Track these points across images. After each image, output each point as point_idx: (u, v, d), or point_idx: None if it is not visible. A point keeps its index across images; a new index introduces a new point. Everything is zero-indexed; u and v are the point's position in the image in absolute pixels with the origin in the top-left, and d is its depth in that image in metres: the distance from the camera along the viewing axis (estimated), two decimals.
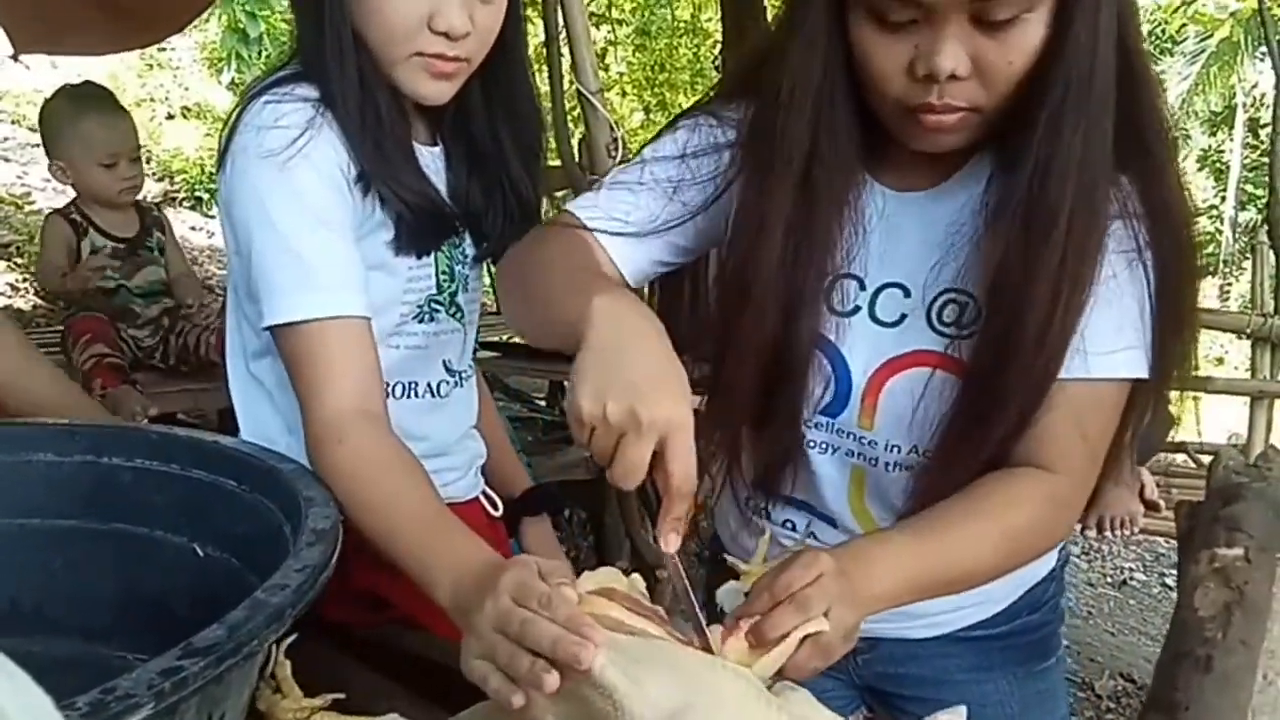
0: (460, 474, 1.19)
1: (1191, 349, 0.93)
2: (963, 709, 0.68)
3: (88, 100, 2.33)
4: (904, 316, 0.94)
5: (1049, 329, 0.84)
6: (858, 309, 0.95)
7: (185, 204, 7.70)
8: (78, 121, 2.28)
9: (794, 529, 1.05)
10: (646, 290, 1.21)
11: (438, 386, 1.13)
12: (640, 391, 0.69)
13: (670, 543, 0.73)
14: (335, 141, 0.96)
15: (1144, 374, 0.88)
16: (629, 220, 0.98)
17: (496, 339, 2.80)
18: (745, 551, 1.06)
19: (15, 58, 1.65)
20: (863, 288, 0.96)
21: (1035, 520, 0.88)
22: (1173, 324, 0.88)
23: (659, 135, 1.05)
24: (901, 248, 0.94)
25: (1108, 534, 2.40)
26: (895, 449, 0.96)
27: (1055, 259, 0.83)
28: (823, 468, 1.00)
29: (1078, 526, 2.44)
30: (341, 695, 0.76)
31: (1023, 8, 0.78)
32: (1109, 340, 0.87)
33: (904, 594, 0.81)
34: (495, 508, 1.26)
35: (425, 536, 0.82)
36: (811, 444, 1.00)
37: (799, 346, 0.93)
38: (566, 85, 2.42)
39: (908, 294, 0.94)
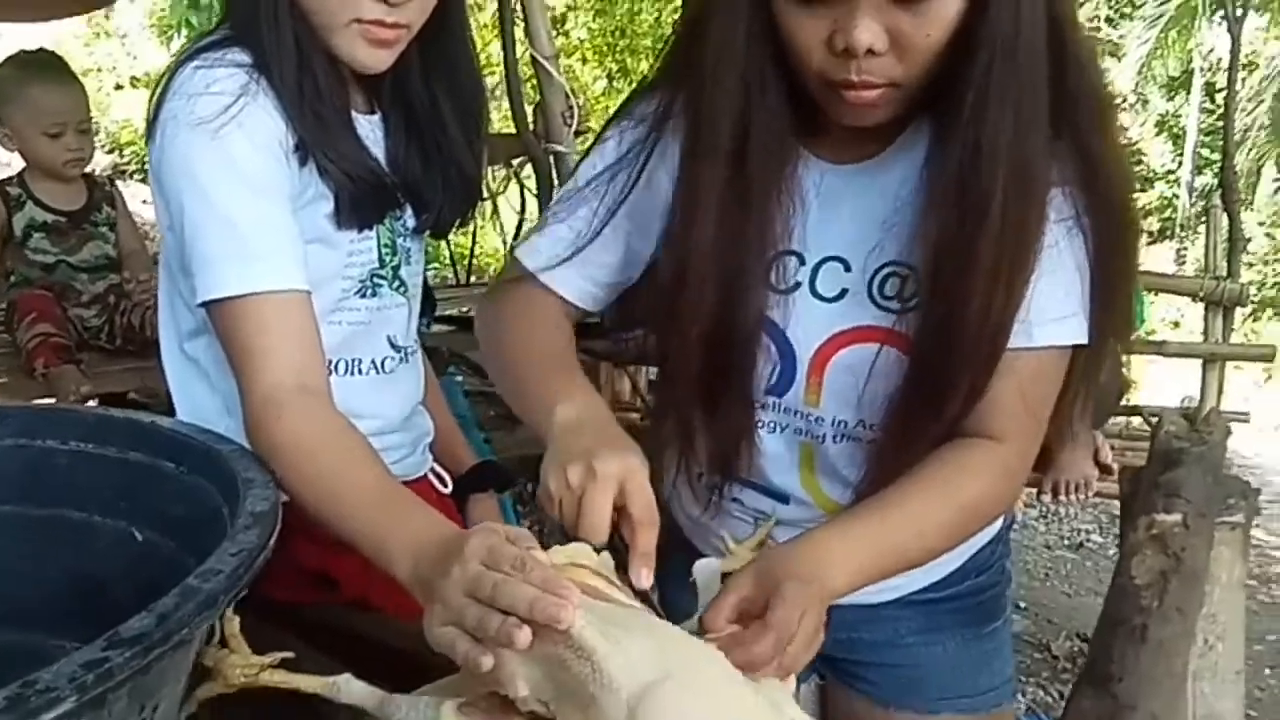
0: (408, 451, 1.17)
1: (1129, 315, 0.95)
2: None
3: (36, 66, 2.25)
4: (845, 291, 0.93)
5: (991, 306, 0.84)
6: (798, 285, 0.95)
7: (136, 177, 7.54)
8: (24, 87, 2.21)
9: (742, 505, 1.05)
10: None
11: (383, 362, 1.11)
12: (593, 451, 0.77)
13: (643, 578, 0.75)
14: (271, 109, 0.93)
15: (1083, 340, 0.90)
16: (565, 249, 1.00)
17: (455, 312, 2.77)
18: (710, 534, 1.06)
19: None
20: (802, 263, 0.95)
21: (987, 490, 0.90)
22: (1108, 290, 0.89)
23: (588, 152, 1.06)
24: (840, 221, 0.93)
25: (1063, 497, 2.43)
26: (842, 424, 0.96)
27: (993, 237, 0.83)
28: (772, 447, 1.00)
29: (1033, 490, 2.47)
30: (290, 654, 0.75)
31: None
32: (1052, 309, 0.88)
33: (863, 580, 0.83)
34: (445, 484, 1.24)
35: (377, 513, 0.80)
36: (760, 424, 0.99)
37: (744, 326, 0.93)
38: (521, 51, 2.39)
39: (848, 268, 0.93)
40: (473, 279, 4.59)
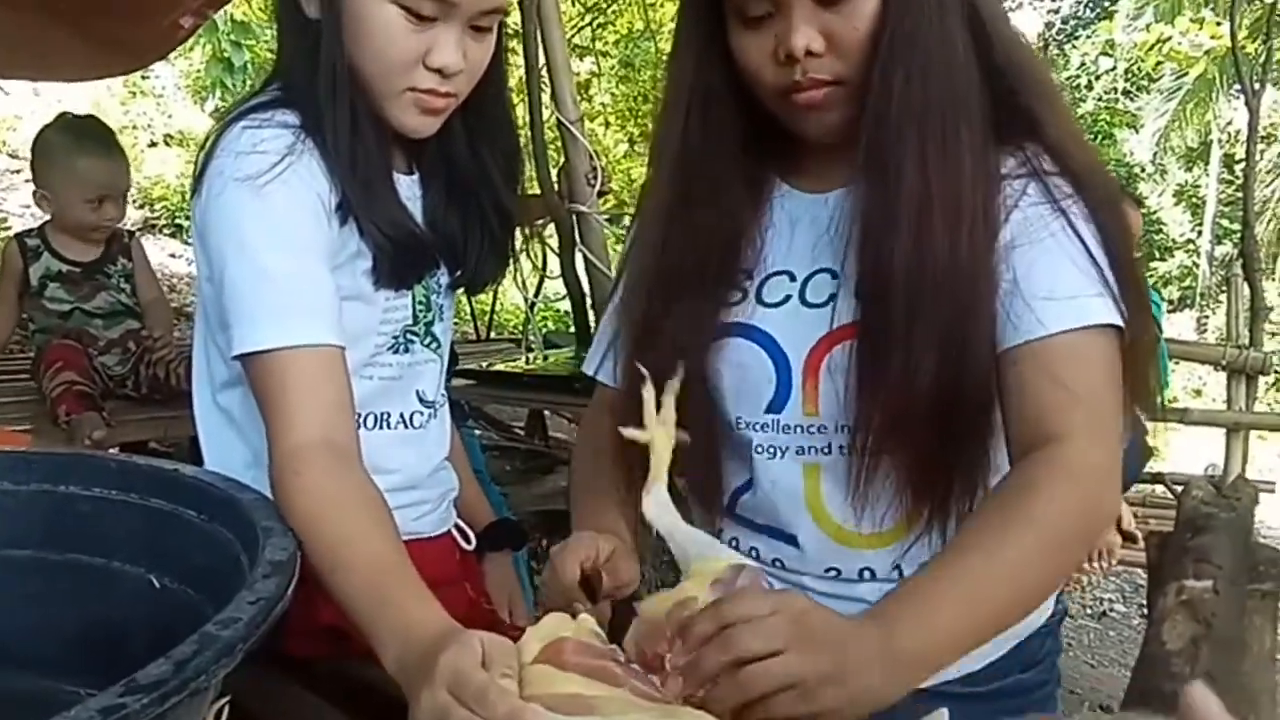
0: (432, 507, 1.17)
1: (1146, 304, 0.91)
2: (944, 711, 0.64)
3: (86, 136, 2.29)
4: (833, 296, 0.95)
5: (922, 259, 0.85)
6: (789, 298, 0.98)
7: (165, 231, 7.68)
8: (72, 156, 2.25)
9: (756, 556, 1.02)
10: None
11: (411, 417, 1.12)
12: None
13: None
14: (315, 169, 0.96)
15: (1111, 319, 0.86)
16: (606, 341, 1.08)
17: (475, 366, 2.78)
18: None
19: None
20: (793, 279, 0.98)
21: (1058, 499, 0.80)
22: (1122, 269, 0.88)
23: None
24: (826, 238, 0.96)
25: (1086, 565, 2.39)
26: (844, 430, 0.94)
27: (913, 195, 0.86)
28: (773, 474, 0.99)
29: None
30: None
31: None
32: (1061, 288, 0.86)
33: (952, 642, 0.74)
34: (468, 541, 1.24)
35: (374, 591, 0.79)
36: (759, 449, 0.99)
37: (702, 346, 0.98)
38: (547, 115, 2.43)
39: (835, 276, 0.95)
40: (493, 334, 4.62)
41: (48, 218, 2.35)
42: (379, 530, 0.85)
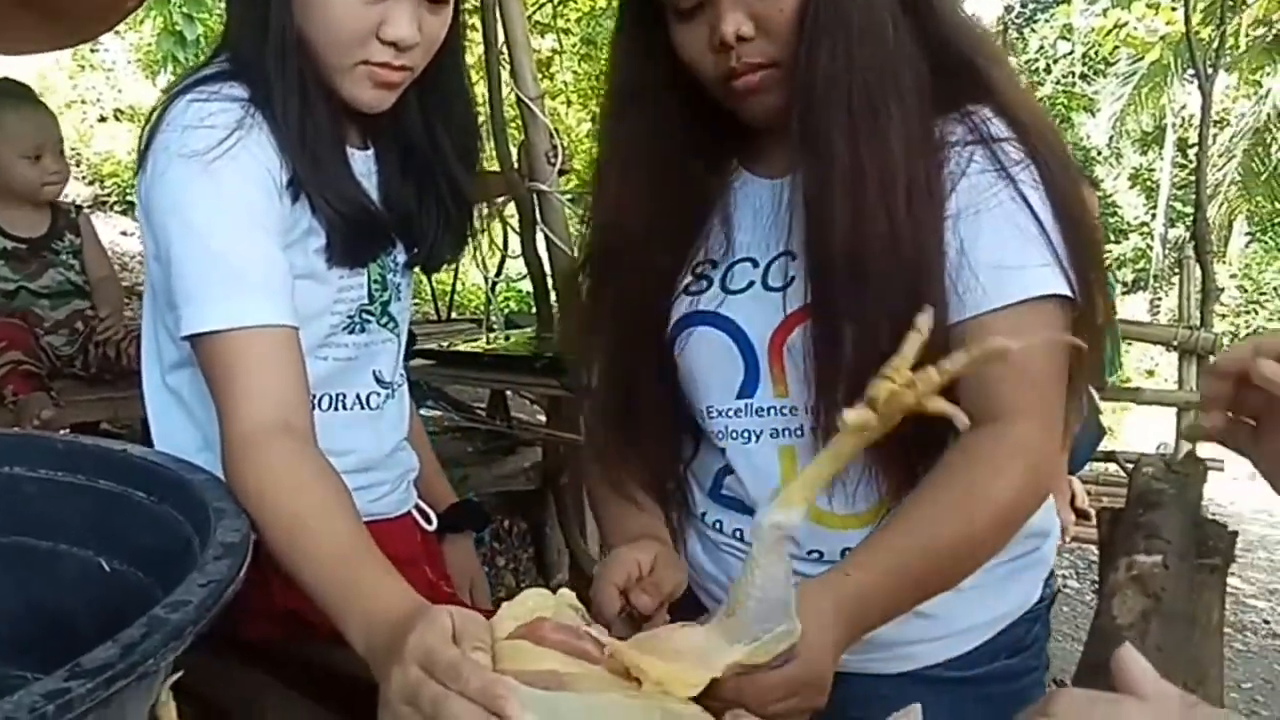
0: (390, 488, 1.15)
1: (1101, 273, 0.92)
2: (917, 707, 0.65)
3: (6, 95, 2.25)
4: (792, 278, 0.95)
5: (859, 228, 0.86)
6: (751, 284, 0.98)
7: (116, 208, 7.52)
8: (4, 114, 2.20)
9: (740, 538, 1.02)
10: None
11: (367, 398, 1.10)
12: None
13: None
14: (266, 144, 0.93)
15: (1061, 289, 0.86)
16: None
17: (435, 346, 2.76)
18: (709, 581, 1.05)
19: None
20: (755, 265, 0.99)
21: (998, 472, 0.84)
22: (1074, 235, 0.88)
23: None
24: (782, 222, 0.96)
25: None
26: (814, 411, 0.94)
27: (843, 168, 0.86)
28: (750, 459, 0.99)
29: None
30: None
31: None
32: (1009, 258, 0.86)
33: (873, 606, 0.81)
34: (429, 521, 1.23)
35: (337, 572, 0.78)
36: (735, 434, 0.99)
37: (657, 331, 1.00)
38: (506, 93, 2.40)
39: (794, 257, 0.95)
40: (454, 314, 4.58)
41: None
42: (339, 510, 0.83)
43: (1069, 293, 0.87)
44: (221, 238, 0.90)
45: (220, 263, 0.89)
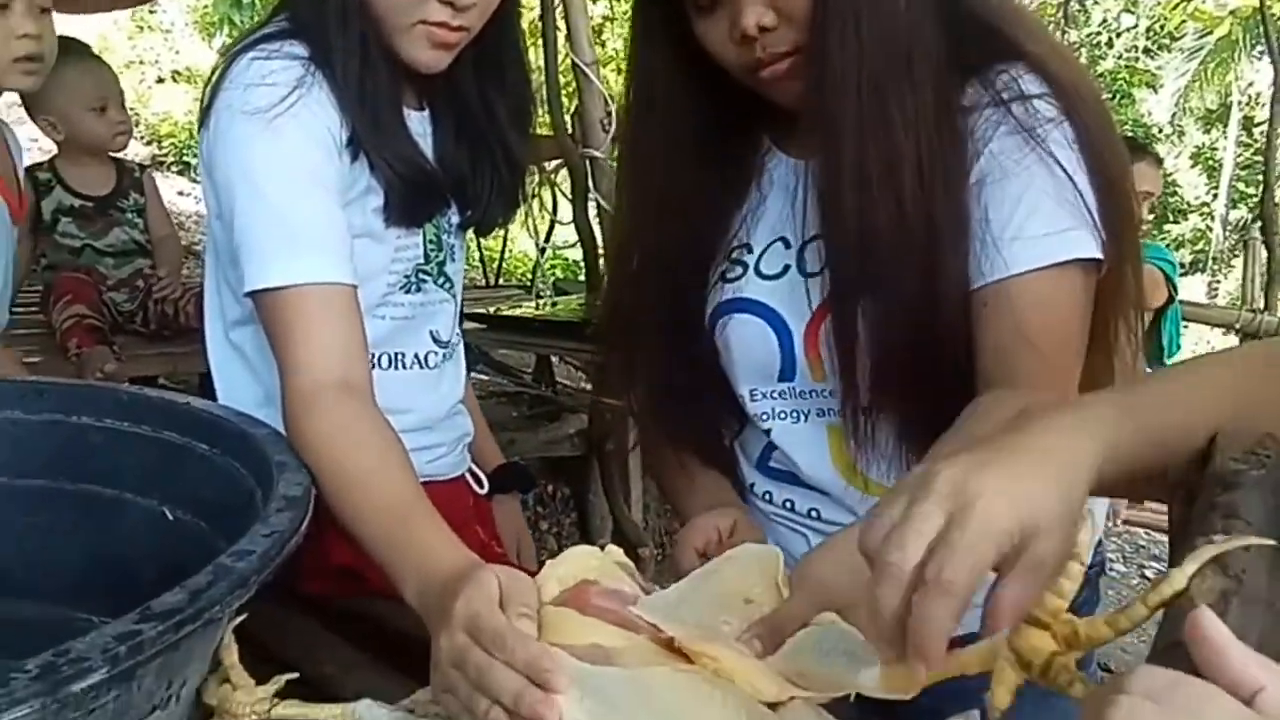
0: (447, 450, 1.17)
1: (1134, 232, 0.90)
2: (975, 714, 0.64)
3: (66, 53, 2.28)
4: (823, 265, 0.94)
5: (873, 237, 0.85)
6: (788, 268, 0.97)
7: (173, 169, 7.63)
8: (60, 72, 2.22)
9: (791, 508, 1.02)
10: None
11: (425, 357, 1.11)
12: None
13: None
14: (326, 102, 0.93)
15: (1087, 252, 0.84)
16: None
17: (484, 311, 2.77)
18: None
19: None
20: (788, 246, 0.98)
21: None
22: (1109, 198, 0.86)
23: None
24: (815, 207, 0.94)
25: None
26: (844, 399, 0.93)
27: (854, 169, 0.85)
28: (800, 437, 0.99)
29: None
30: (295, 675, 0.71)
31: None
32: (1024, 228, 0.84)
33: None
34: (481, 485, 1.24)
35: (394, 527, 0.79)
36: (781, 415, 0.99)
37: (699, 314, 1.00)
38: (561, 57, 2.39)
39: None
40: (501, 280, 4.60)
41: (56, 151, 2.33)
42: (397, 468, 0.84)
43: (1098, 254, 0.85)
44: (283, 195, 0.90)
45: (282, 220, 0.90)
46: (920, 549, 0.49)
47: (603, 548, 0.76)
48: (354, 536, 0.82)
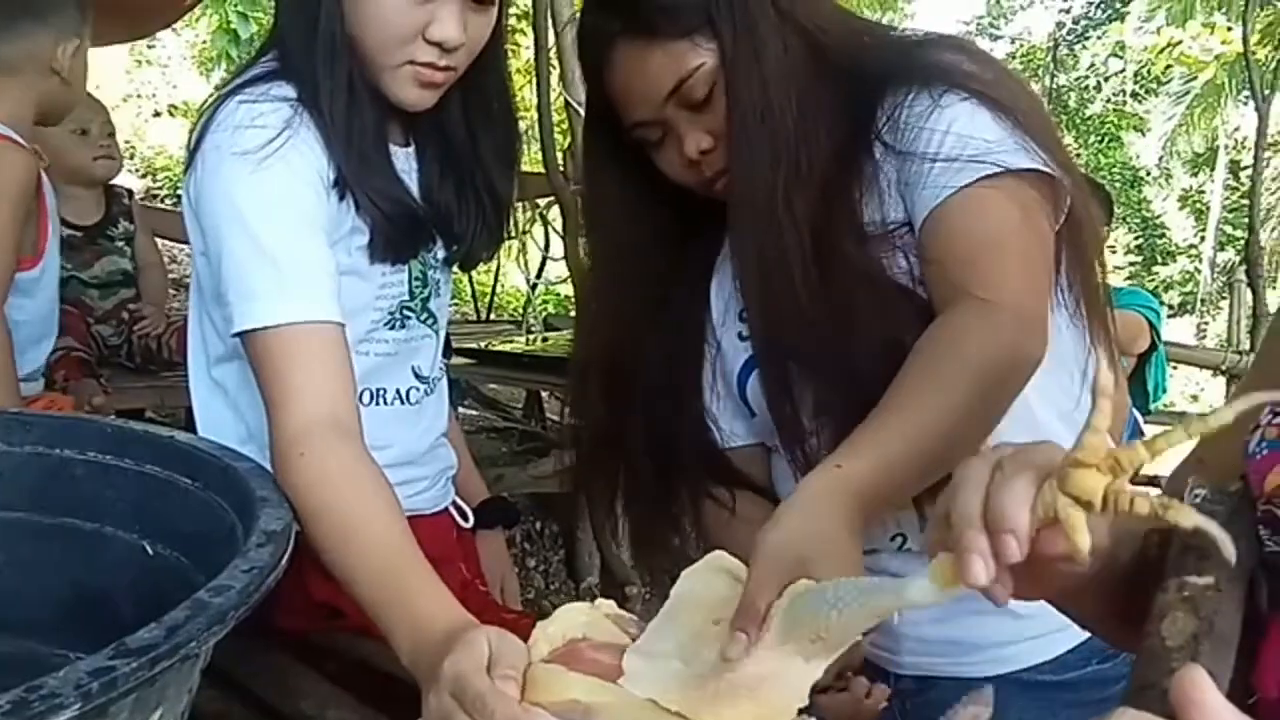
0: (429, 484, 1.16)
1: (1076, 173, 0.92)
2: (989, 688, 0.61)
3: None
4: None
5: (770, 310, 0.92)
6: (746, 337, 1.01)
7: (168, 201, 7.65)
8: None
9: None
10: None
11: (408, 393, 1.11)
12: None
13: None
14: (314, 144, 0.95)
15: (1021, 163, 0.85)
16: None
17: (474, 345, 2.78)
18: None
19: None
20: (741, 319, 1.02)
21: (966, 333, 0.81)
22: (1029, 120, 0.88)
23: None
24: None
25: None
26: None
27: (749, 258, 0.93)
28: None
29: None
30: None
31: (711, 80, 0.90)
32: (934, 168, 0.87)
33: (901, 473, 0.76)
34: (465, 519, 1.24)
35: (386, 579, 0.80)
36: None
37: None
38: (554, 96, 2.42)
39: None
40: (493, 315, 4.61)
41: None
42: (389, 517, 0.84)
43: (1039, 167, 0.86)
44: (272, 236, 0.91)
45: (271, 260, 0.91)
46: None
47: (592, 596, 0.75)
48: (345, 585, 0.82)
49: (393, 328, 1.08)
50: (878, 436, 0.77)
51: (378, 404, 1.09)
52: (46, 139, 2.22)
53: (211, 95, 1.01)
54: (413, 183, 1.07)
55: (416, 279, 1.08)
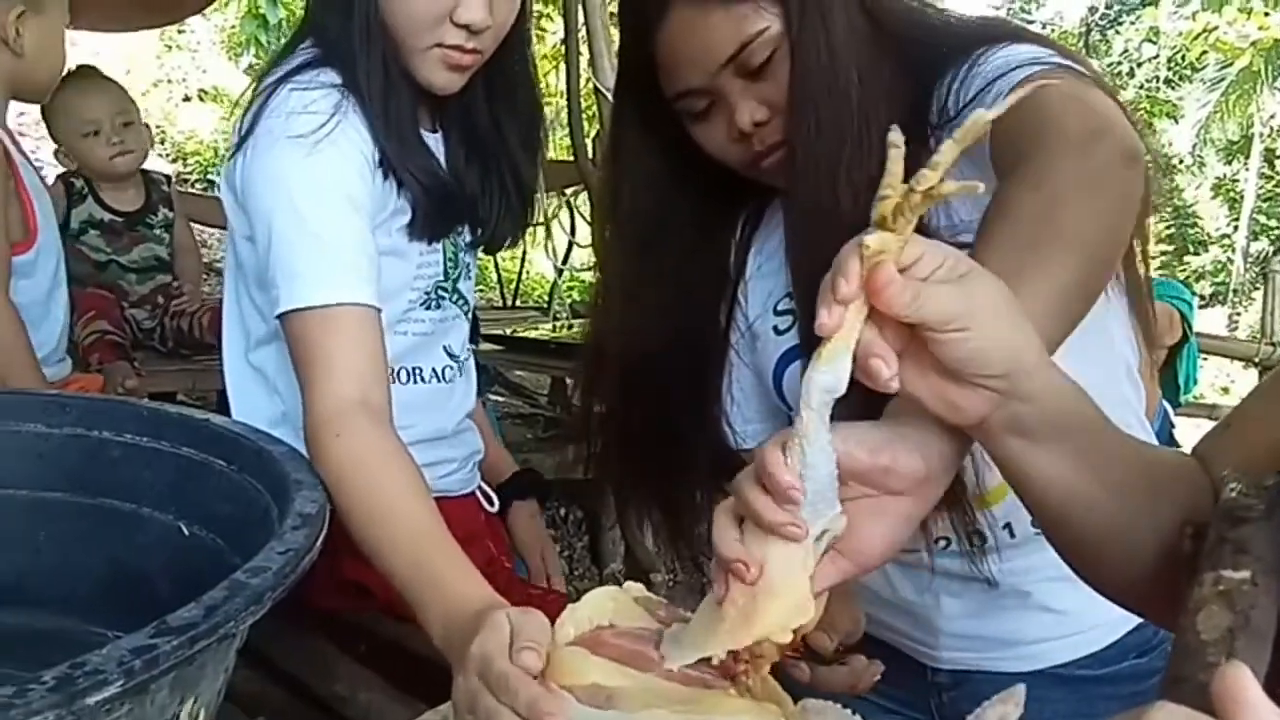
0: (458, 465, 1.18)
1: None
2: (1021, 688, 0.62)
3: (69, 79, 2.32)
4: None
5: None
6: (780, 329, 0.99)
7: (197, 186, 7.71)
8: (58, 99, 2.26)
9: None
10: None
11: (442, 371, 1.14)
12: None
13: None
14: (360, 126, 0.97)
15: (1079, 69, 0.81)
16: None
17: (500, 332, 2.79)
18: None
19: None
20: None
21: (1070, 165, 0.70)
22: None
23: None
24: None
25: None
26: None
27: (806, 239, 0.88)
28: None
29: None
30: None
31: (773, 46, 0.85)
32: (999, 71, 0.82)
33: (1049, 316, 0.64)
34: (491, 503, 1.25)
35: (419, 561, 0.81)
36: None
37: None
38: (584, 83, 2.42)
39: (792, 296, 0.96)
40: (519, 302, 4.63)
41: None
42: (418, 498, 0.86)
43: (1070, 64, 0.80)
44: (319, 218, 0.93)
45: (317, 243, 0.93)
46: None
47: (617, 582, 0.75)
48: (376, 564, 0.83)
49: (429, 308, 1.10)
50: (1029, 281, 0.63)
51: (414, 382, 1.11)
52: (67, 141, 2.27)
53: (253, 84, 1.02)
54: (441, 167, 1.08)
55: (450, 260, 1.11)
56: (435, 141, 1.08)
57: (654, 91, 0.93)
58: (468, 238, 1.13)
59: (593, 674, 0.64)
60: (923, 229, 0.85)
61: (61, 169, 2.39)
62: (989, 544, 0.92)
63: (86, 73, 2.37)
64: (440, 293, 1.11)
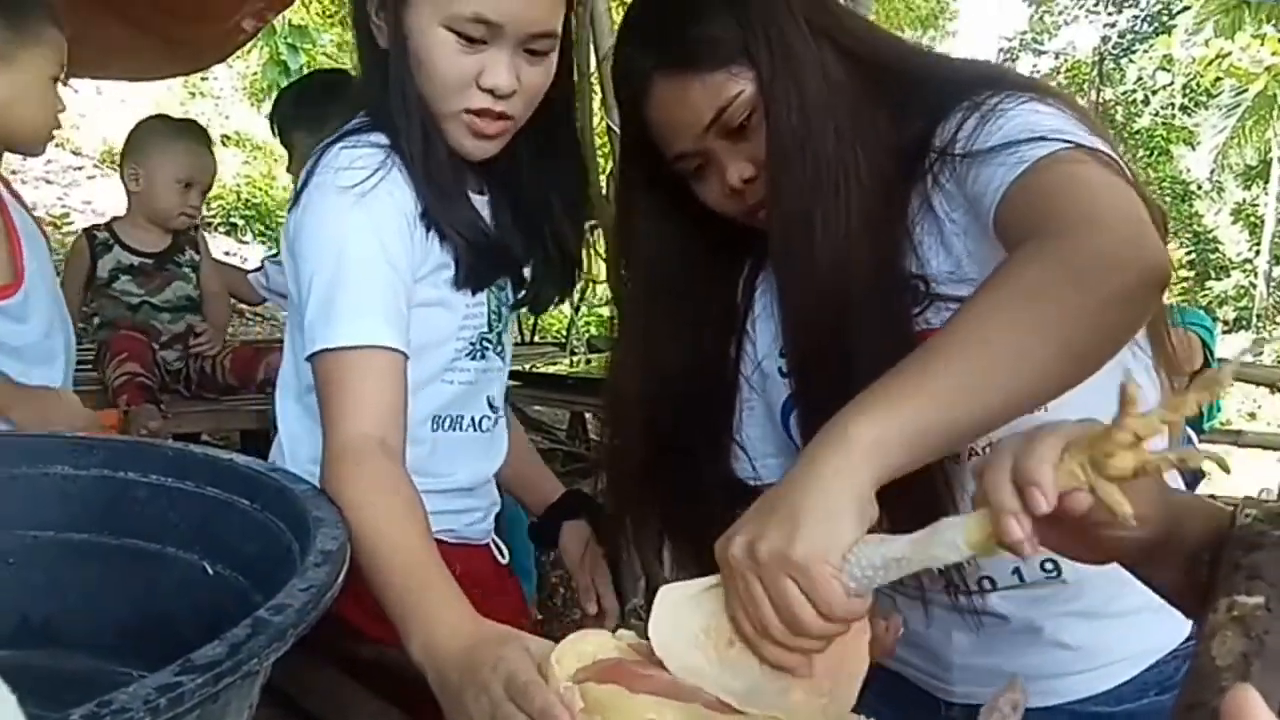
0: (481, 516, 1.20)
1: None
2: (1019, 678, 0.63)
3: (187, 129, 2.44)
4: None
5: (809, 346, 0.92)
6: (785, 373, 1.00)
7: (220, 229, 7.82)
8: (173, 140, 2.34)
9: None
10: None
11: (480, 421, 1.16)
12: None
13: None
14: (403, 184, 1.00)
15: (1097, 145, 0.80)
16: None
17: (519, 367, 2.80)
18: None
19: (64, 81, 1.68)
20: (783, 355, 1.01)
21: (1036, 261, 0.71)
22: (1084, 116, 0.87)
23: None
24: None
25: None
26: None
27: (793, 291, 0.93)
28: None
29: None
30: None
31: (749, 108, 0.90)
32: (998, 152, 0.82)
33: (916, 430, 0.65)
34: (502, 555, 1.27)
35: (409, 583, 0.82)
36: None
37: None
38: (597, 121, 2.45)
39: None
40: (536, 338, 4.65)
41: (117, 214, 2.42)
42: (416, 532, 0.87)
43: (1105, 150, 0.80)
44: (352, 264, 0.96)
45: (348, 288, 0.95)
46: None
47: (637, 616, 0.76)
48: (370, 587, 0.84)
49: (474, 358, 1.12)
50: (898, 394, 0.66)
51: (456, 430, 1.13)
52: (153, 173, 2.31)
53: (271, 125, 1.05)
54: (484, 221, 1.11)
55: (494, 312, 1.13)
56: (482, 204, 1.11)
57: (654, 154, 0.98)
58: (510, 296, 1.16)
59: (644, 711, 0.65)
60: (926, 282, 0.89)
61: (90, 215, 2.44)
62: (974, 591, 0.93)
63: (201, 132, 2.49)
64: (485, 343, 1.13)
